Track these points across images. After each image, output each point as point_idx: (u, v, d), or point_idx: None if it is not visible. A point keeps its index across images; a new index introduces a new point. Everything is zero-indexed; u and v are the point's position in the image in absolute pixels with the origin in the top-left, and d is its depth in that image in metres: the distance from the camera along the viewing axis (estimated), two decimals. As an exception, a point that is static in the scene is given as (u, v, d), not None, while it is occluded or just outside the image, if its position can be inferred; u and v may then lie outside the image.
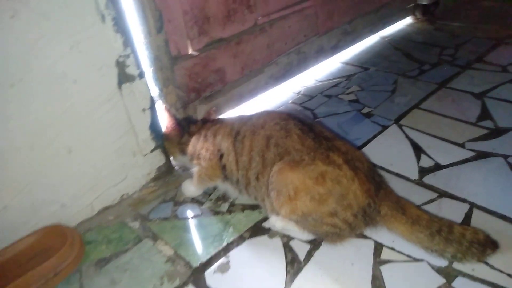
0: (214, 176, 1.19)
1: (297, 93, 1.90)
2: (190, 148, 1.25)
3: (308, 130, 1.03)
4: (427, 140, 1.42)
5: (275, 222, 1.09)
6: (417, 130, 1.49)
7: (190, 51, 1.42)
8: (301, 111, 1.73)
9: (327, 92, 1.86)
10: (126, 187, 1.34)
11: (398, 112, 1.61)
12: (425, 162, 1.32)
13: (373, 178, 0.99)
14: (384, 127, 1.53)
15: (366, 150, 1.42)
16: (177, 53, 1.38)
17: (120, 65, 1.18)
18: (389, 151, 1.40)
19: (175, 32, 1.35)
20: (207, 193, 1.32)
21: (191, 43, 1.41)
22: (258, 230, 1.14)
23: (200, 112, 1.51)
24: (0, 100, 0.98)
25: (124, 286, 1.03)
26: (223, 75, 1.53)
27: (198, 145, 1.22)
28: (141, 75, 1.24)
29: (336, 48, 2.08)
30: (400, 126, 1.53)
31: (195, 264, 1.06)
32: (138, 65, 1.22)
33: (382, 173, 1.28)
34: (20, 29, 0.95)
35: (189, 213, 1.25)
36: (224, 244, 1.11)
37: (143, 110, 1.29)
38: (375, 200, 0.96)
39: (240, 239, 1.12)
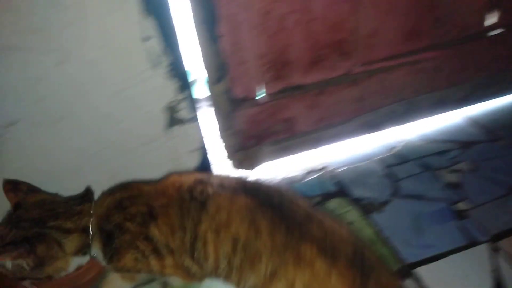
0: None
1: (390, 149, 1.59)
2: (127, 263, 0.94)
3: (280, 218, 0.86)
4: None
5: None
6: (516, 267, 1.11)
7: (259, 96, 1.28)
8: (380, 178, 1.45)
9: (426, 160, 1.51)
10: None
11: (503, 227, 1.22)
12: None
13: (360, 264, 0.82)
14: (472, 243, 1.18)
15: (430, 269, 1.13)
16: (244, 96, 1.26)
17: (171, 109, 1.14)
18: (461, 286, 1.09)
19: (246, 75, 1.23)
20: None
21: (263, 88, 1.27)
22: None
23: (260, 157, 1.39)
24: (44, 134, 1.04)
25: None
26: (292, 126, 1.36)
27: (150, 261, 0.92)
28: (194, 119, 1.18)
29: (465, 100, 1.65)
30: (496, 250, 1.16)
31: None
32: (192, 109, 1.16)
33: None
34: (65, 75, 0.98)
35: None
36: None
37: (192, 151, 1.24)
38: None
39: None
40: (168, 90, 1.09)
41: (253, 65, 1.21)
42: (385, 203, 1.37)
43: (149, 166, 1.22)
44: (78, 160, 1.13)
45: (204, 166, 1.28)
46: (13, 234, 0.86)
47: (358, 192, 1.42)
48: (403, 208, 1.33)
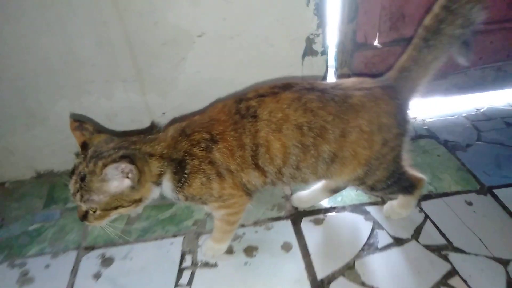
0: (244, 206, 1.12)
1: (478, 109, 1.82)
2: (194, 190, 1.02)
3: (322, 93, 1.02)
4: None
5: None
6: None
7: (375, 43, 1.58)
8: (466, 128, 1.69)
9: (510, 120, 1.72)
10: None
11: None
12: None
13: (387, 85, 1.10)
14: (544, 179, 1.40)
15: (505, 192, 1.37)
16: (363, 41, 1.56)
17: (309, 41, 1.47)
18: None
19: (368, 23, 1.53)
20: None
21: (379, 36, 1.57)
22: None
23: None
24: (219, 46, 1.42)
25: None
26: (398, 71, 1.64)
27: (212, 184, 1.01)
28: (324, 52, 1.51)
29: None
30: None
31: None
32: (323, 44, 1.49)
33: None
34: (243, 3, 1.34)
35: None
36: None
37: (316, 79, 1.57)
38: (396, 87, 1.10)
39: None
40: (312, 24, 1.42)
41: (376, 15, 1.51)
42: (469, 145, 1.61)
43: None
44: (234, 72, 1.50)
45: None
46: (103, 159, 0.91)
47: (445, 136, 1.67)
48: (484, 150, 1.57)
